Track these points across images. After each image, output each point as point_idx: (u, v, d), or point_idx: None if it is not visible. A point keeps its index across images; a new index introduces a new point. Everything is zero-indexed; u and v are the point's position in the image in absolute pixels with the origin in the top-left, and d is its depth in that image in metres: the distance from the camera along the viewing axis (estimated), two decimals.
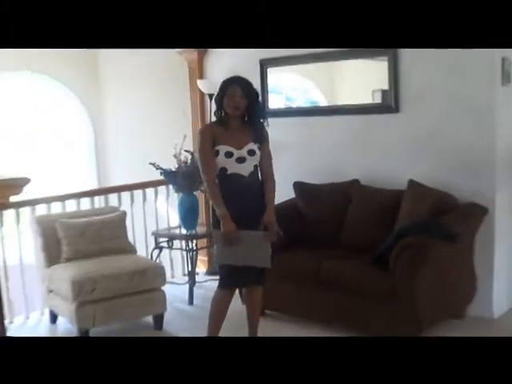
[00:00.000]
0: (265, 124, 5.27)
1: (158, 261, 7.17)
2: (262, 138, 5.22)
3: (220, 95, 5.18)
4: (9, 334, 6.02)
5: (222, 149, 5.05)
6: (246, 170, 5.12)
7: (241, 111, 5.15)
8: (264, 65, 7.47)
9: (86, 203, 7.45)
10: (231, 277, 5.20)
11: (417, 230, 5.51)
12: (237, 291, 5.71)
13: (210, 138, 5.10)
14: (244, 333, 5.46)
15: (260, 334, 5.51)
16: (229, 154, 5.04)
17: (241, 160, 5.07)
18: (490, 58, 5.88)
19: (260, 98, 5.31)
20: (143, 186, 7.85)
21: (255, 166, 5.18)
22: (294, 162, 7.33)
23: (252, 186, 5.18)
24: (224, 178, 5.11)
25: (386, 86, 6.58)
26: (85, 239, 6.37)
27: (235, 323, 5.55)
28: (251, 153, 5.12)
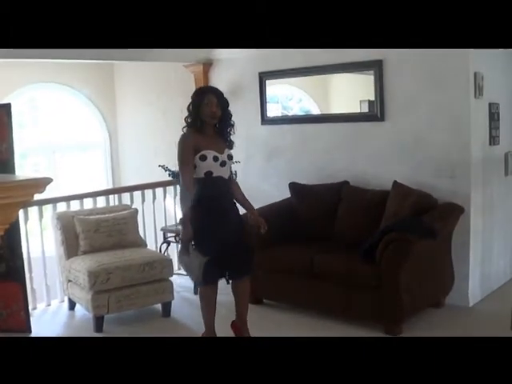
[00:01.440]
0: (231, 132, 5.24)
1: (166, 254, 7.19)
2: (232, 145, 5.23)
3: (196, 104, 5.11)
4: (32, 319, 6.06)
5: (209, 153, 4.98)
6: (226, 172, 5.12)
7: (217, 120, 5.11)
8: (263, 77, 7.47)
9: (101, 201, 7.45)
10: (209, 273, 5.03)
11: (400, 226, 5.52)
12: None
13: (192, 145, 5.03)
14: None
15: (257, 321, 5.53)
16: (215, 158, 4.99)
17: (223, 164, 5.05)
18: (465, 72, 5.93)
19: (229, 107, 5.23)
20: (153, 186, 7.86)
21: (231, 171, 5.24)
22: (290, 164, 7.34)
23: (230, 188, 5.20)
24: (209, 181, 5.02)
25: (372, 97, 6.60)
26: (100, 234, 6.39)
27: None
28: (230, 157, 5.14)
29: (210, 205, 5.04)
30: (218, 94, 5.16)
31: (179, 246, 5.28)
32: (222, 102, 5.13)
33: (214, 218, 5.05)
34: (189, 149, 5.02)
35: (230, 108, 5.22)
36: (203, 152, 4.97)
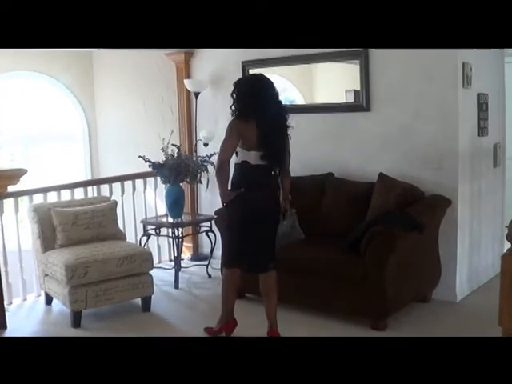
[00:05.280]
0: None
1: (146, 247, 7.17)
2: None
3: None
4: (7, 314, 6.02)
5: None
6: None
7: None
8: (246, 66, 7.46)
9: (79, 193, 7.42)
10: (234, 258, 5.35)
11: (386, 219, 5.52)
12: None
13: None
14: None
15: (239, 316, 5.51)
16: None
17: None
18: (453, 62, 5.94)
19: (237, 96, 5.23)
20: (133, 177, 7.85)
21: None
22: None
23: None
24: None
25: (358, 87, 6.59)
26: (78, 226, 6.35)
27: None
28: None
29: None
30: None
31: None
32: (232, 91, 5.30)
33: None
34: None
35: (238, 98, 5.23)
36: None
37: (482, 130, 6.43)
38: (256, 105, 5.12)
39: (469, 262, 6.45)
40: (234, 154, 5.18)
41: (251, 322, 5.65)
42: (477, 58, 6.13)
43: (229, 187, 5.21)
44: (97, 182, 7.92)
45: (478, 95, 6.34)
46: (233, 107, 5.19)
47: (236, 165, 5.21)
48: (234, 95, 5.19)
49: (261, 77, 5.37)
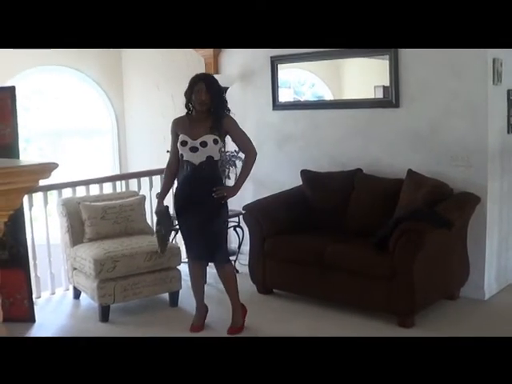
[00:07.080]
0: (220, 119, 5.38)
1: (173, 242, 7.20)
2: (219, 127, 5.35)
3: (189, 91, 5.43)
4: (36, 308, 6.09)
5: (181, 138, 5.37)
6: (196, 159, 5.32)
7: (207, 106, 5.35)
8: (275, 61, 7.47)
9: (108, 187, 7.49)
10: (187, 250, 5.72)
11: (415, 216, 5.53)
12: None
13: (173, 130, 5.53)
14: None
15: (267, 311, 5.62)
16: (184, 143, 5.34)
17: (194, 149, 5.31)
18: (483, 58, 5.91)
19: (223, 93, 5.58)
20: (161, 172, 7.84)
21: (208, 157, 5.33)
22: (302, 151, 7.35)
23: (200, 174, 5.36)
24: (182, 163, 5.44)
25: (387, 83, 6.59)
26: (106, 221, 6.42)
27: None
28: (203, 144, 5.29)
29: (181, 187, 5.51)
30: (208, 81, 5.42)
31: None
32: (213, 88, 5.36)
33: (181, 200, 5.52)
34: (172, 133, 5.56)
35: (224, 95, 5.58)
36: (180, 136, 5.37)
37: None
38: None
39: (497, 260, 6.44)
40: (218, 151, 5.43)
41: (276, 319, 5.69)
42: (508, 53, 6.08)
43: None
44: (125, 177, 8.01)
45: (509, 91, 6.31)
46: (224, 103, 5.48)
47: (217, 161, 5.48)
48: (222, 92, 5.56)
49: None
